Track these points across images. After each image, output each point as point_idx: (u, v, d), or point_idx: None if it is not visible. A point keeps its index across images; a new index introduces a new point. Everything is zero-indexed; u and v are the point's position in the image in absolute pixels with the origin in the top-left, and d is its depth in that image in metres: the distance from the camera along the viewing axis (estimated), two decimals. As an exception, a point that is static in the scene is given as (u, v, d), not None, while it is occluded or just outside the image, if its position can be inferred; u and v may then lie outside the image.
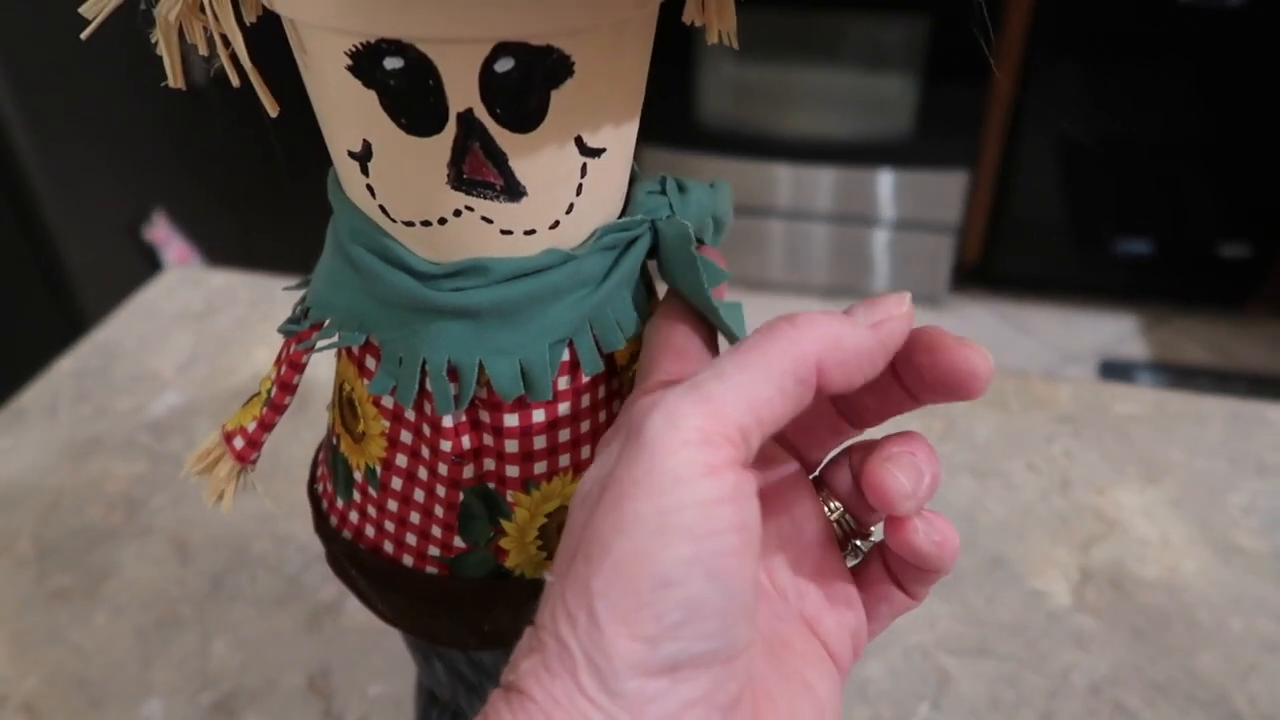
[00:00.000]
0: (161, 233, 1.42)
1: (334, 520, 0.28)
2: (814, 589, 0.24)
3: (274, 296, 0.71)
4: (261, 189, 1.65)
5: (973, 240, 1.96)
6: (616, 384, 0.27)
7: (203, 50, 0.21)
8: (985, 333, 1.93)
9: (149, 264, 1.40)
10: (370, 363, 0.25)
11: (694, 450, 0.19)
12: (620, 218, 0.25)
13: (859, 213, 1.91)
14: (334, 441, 0.28)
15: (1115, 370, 1.83)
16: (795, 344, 0.20)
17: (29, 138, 1.19)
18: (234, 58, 0.20)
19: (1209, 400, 0.61)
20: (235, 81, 0.20)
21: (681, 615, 0.19)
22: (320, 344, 0.25)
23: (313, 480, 0.30)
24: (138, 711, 0.44)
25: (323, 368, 0.31)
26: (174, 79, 0.20)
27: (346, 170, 0.23)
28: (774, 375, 0.20)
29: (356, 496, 0.27)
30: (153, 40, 0.22)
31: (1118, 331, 1.93)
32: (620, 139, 0.23)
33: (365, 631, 0.47)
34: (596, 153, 0.23)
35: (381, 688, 0.45)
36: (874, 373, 0.21)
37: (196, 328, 0.68)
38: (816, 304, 2.00)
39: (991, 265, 1.96)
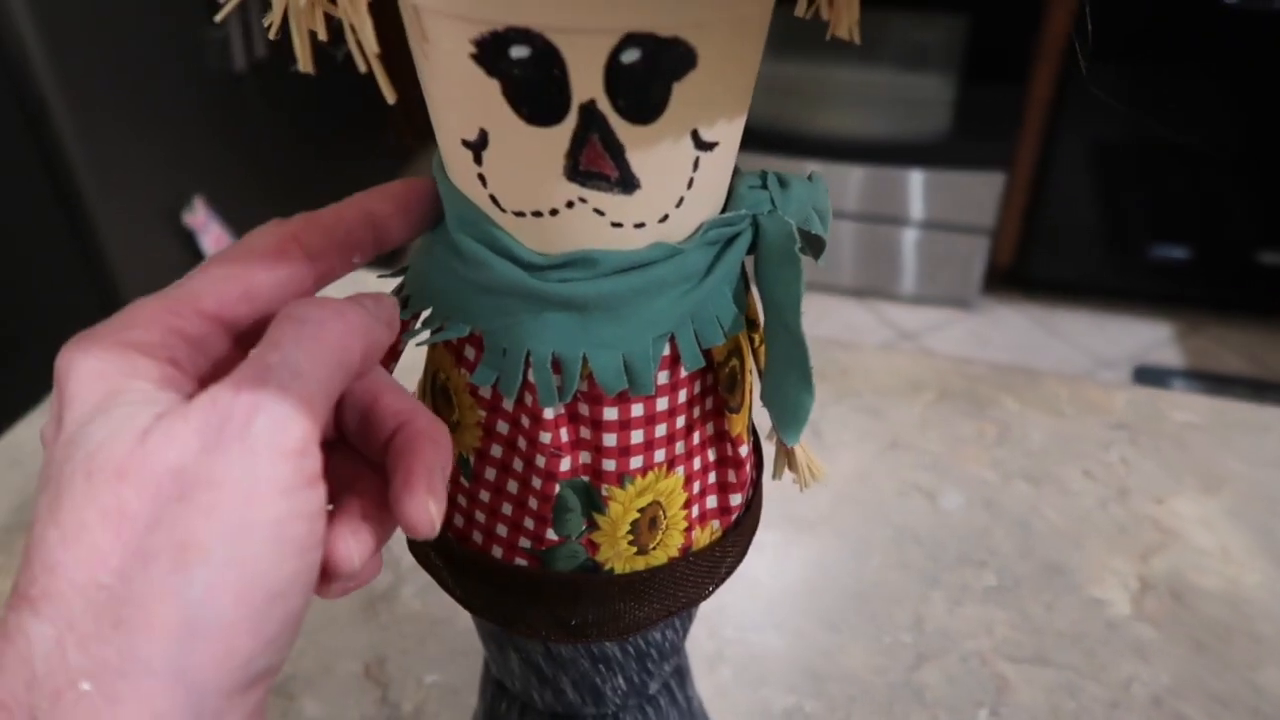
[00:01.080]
0: (200, 218, 1.43)
1: (420, 509, 0.28)
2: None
3: (323, 284, 0.71)
4: (296, 176, 1.66)
5: (1006, 242, 1.94)
6: (711, 379, 0.26)
7: (322, 35, 0.21)
8: (1016, 336, 1.91)
9: (188, 249, 1.42)
10: (469, 352, 0.25)
11: (298, 461, 0.19)
12: (722, 212, 0.25)
13: (891, 213, 1.90)
14: (423, 430, 0.28)
15: (1149, 377, 1.81)
16: (349, 333, 0.20)
17: (73, 124, 1.20)
18: (359, 43, 0.20)
19: (1269, 410, 0.60)
20: (362, 67, 0.20)
21: (277, 629, 0.18)
22: (424, 339, 0.25)
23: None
24: (197, 693, 0.44)
25: (405, 354, 0.31)
26: (304, 64, 0.20)
27: (457, 158, 0.23)
28: (335, 368, 0.20)
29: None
30: (265, 24, 0.22)
31: (1152, 338, 1.91)
32: (731, 133, 0.23)
33: (420, 620, 0.48)
34: (710, 146, 0.22)
35: (437, 676, 0.45)
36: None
37: (247, 313, 0.68)
38: (843, 302, 2.00)
39: (1025, 268, 1.95)
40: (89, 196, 1.25)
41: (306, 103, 1.65)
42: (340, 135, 1.80)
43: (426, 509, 0.21)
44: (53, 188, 1.24)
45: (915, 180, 1.86)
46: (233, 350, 0.22)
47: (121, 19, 1.23)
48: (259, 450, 0.18)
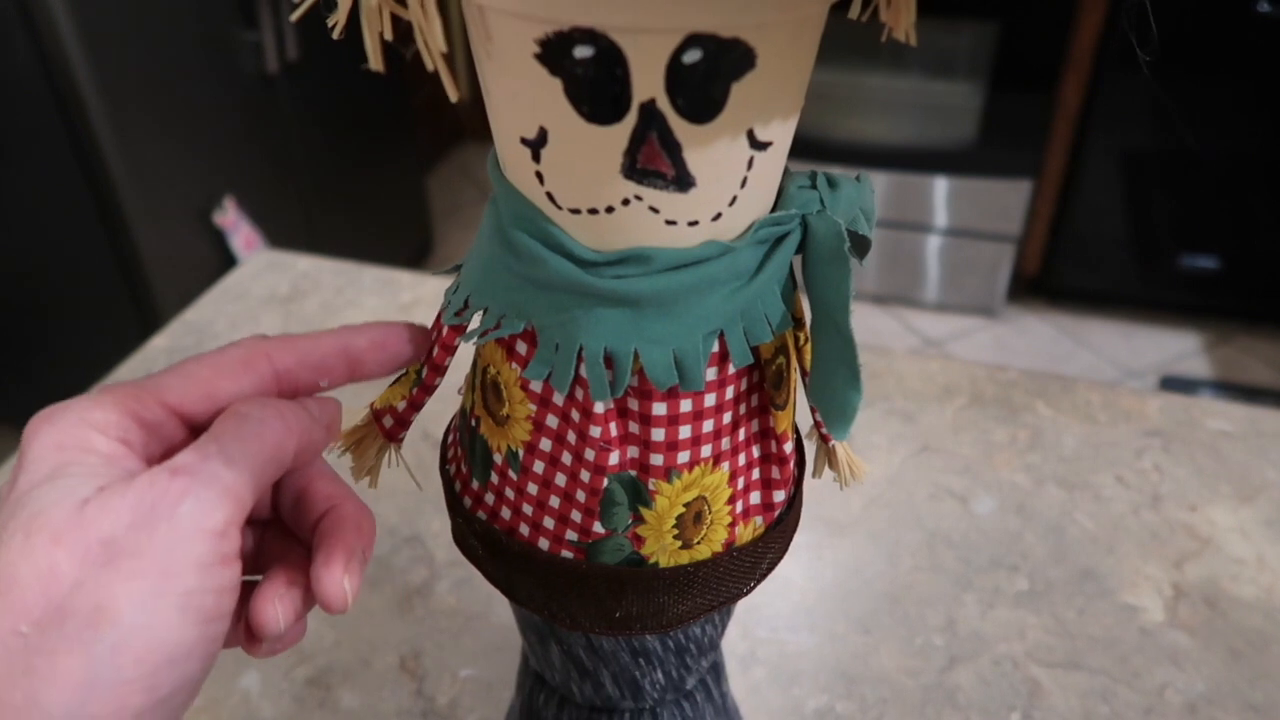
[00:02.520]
0: (230, 218, 1.45)
1: (468, 501, 0.29)
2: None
3: (357, 282, 0.72)
4: (326, 177, 1.68)
5: (1032, 251, 1.93)
6: (758, 377, 0.27)
7: (389, 36, 0.21)
8: (1042, 345, 1.90)
9: (218, 248, 1.43)
10: (521, 347, 0.25)
11: (217, 542, 0.21)
12: (772, 211, 0.25)
13: (916, 219, 1.90)
14: (472, 424, 0.28)
15: (1176, 387, 1.80)
16: (285, 433, 0.23)
17: (108, 124, 1.22)
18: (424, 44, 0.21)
19: (1305, 420, 0.60)
20: (430, 67, 0.21)
21: (170, 690, 0.20)
22: (482, 337, 0.25)
23: (444, 461, 0.30)
24: (236, 683, 0.45)
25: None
26: (375, 62, 0.21)
27: (515, 156, 0.23)
28: (267, 463, 0.22)
29: (494, 478, 0.28)
30: (330, 24, 0.22)
31: (1180, 348, 1.90)
32: (785, 133, 0.23)
33: (455, 615, 0.48)
34: (764, 146, 0.23)
35: (472, 670, 0.46)
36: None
37: (284, 310, 0.69)
38: (867, 309, 1.99)
39: (1051, 277, 1.94)
40: (123, 195, 1.27)
41: (337, 105, 1.67)
42: (370, 138, 1.82)
43: (342, 586, 0.24)
44: (87, 186, 1.26)
45: (941, 187, 1.85)
46: (187, 437, 0.24)
47: (157, 21, 1.25)
48: (182, 529, 0.20)
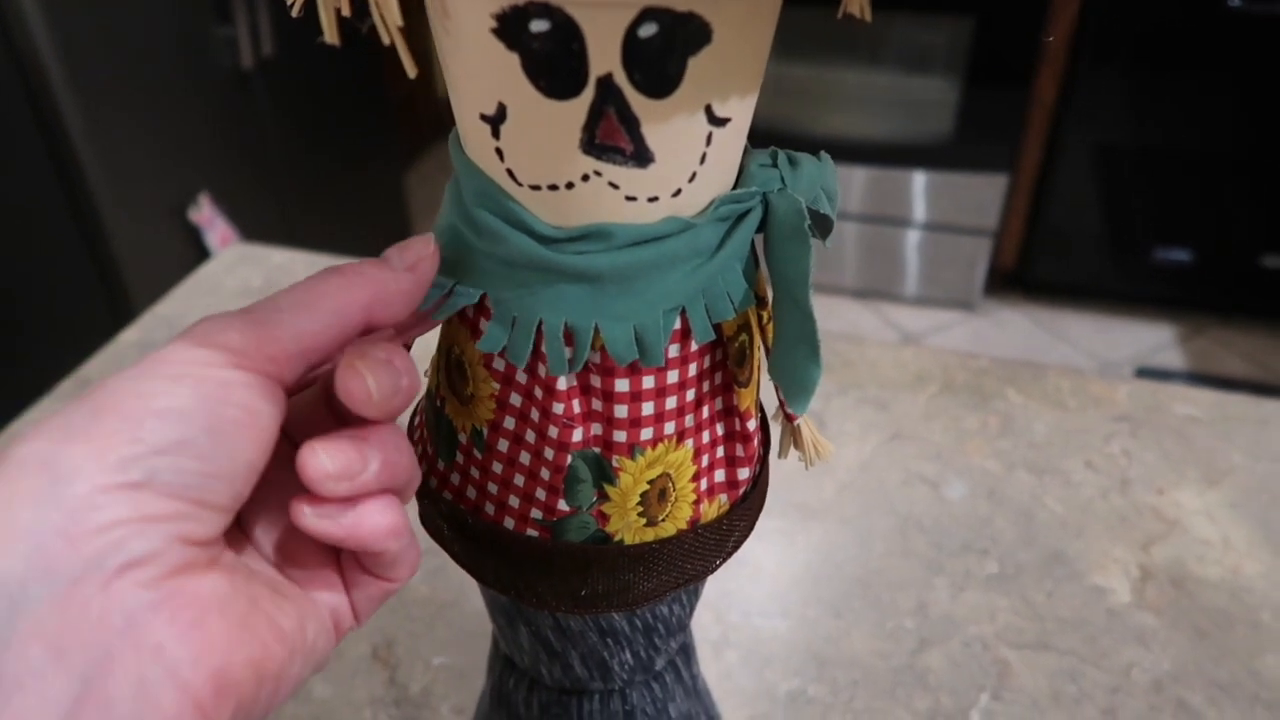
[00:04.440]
0: (206, 215, 1.44)
1: (433, 482, 0.29)
2: (298, 563, 0.25)
3: (331, 276, 0.72)
4: (302, 174, 1.67)
5: (1009, 244, 1.95)
6: (721, 355, 0.27)
7: (345, 11, 0.21)
8: (1019, 338, 1.92)
9: (194, 245, 1.42)
10: (484, 325, 0.26)
11: (227, 355, 0.21)
12: (733, 189, 0.25)
13: (894, 214, 1.91)
14: (437, 404, 0.28)
15: (1151, 379, 1.82)
16: (345, 289, 0.23)
17: (81, 121, 1.21)
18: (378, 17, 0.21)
19: (1269, 404, 0.61)
20: (386, 40, 0.21)
21: (164, 443, 0.20)
22: (439, 312, 0.25)
23: (410, 442, 0.30)
24: (208, 673, 0.45)
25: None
26: (330, 35, 0.21)
27: (475, 133, 0.23)
28: (321, 314, 0.22)
29: (459, 458, 0.28)
30: (289, 2, 0.22)
31: (1154, 341, 1.92)
32: (744, 110, 0.24)
33: (428, 604, 0.48)
34: (723, 122, 0.23)
35: (445, 658, 0.46)
36: (414, 307, 0.24)
37: (256, 304, 0.69)
38: (846, 304, 2.00)
39: (1028, 270, 1.95)
40: (96, 193, 1.26)
41: (314, 101, 1.66)
42: (348, 134, 1.81)
43: (356, 367, 0.22)
44: (60, 183, 1.25)
45: (918, 182, 1.86)
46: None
47: (130, 17, 1.24)
48: (188, 337, 0.21)
